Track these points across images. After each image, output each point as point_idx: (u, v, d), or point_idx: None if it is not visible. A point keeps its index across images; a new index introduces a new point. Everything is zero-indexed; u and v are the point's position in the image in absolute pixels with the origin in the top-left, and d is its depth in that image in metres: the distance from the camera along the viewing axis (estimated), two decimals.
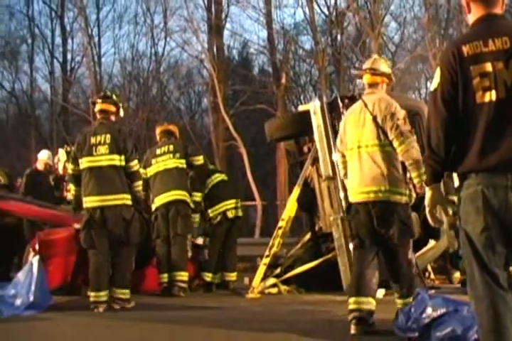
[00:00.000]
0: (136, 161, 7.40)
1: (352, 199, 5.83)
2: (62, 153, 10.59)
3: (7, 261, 9.49)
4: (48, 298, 7.12)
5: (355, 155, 5.75)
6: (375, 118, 5.68)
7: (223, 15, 24.67)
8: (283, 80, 22.54)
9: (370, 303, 5.50)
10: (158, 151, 8.93)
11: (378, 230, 5.59)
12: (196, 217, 9.18)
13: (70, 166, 7.69)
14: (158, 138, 9.24)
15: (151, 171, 8.84)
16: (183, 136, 10.02)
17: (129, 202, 7.31)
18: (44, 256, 7.34)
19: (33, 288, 6.94)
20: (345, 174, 5.96)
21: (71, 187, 7.79)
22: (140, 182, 7.49)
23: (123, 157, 7.27)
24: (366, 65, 6.10)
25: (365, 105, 5.78)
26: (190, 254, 9.00)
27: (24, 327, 6.16)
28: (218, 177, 9.62)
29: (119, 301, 7.21)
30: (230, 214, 9.36)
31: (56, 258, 7.71)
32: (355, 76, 6.98)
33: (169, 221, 8.60)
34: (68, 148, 10.46)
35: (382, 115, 5.63)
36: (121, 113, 7.80)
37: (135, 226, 7.45)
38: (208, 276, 9.15)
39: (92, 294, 7.19)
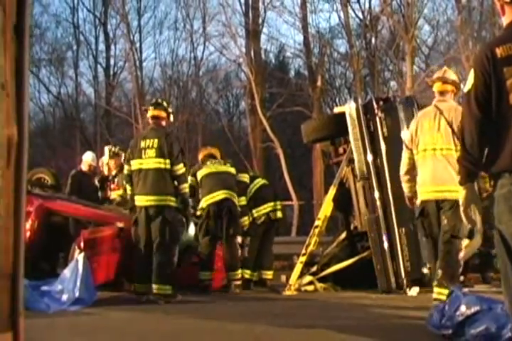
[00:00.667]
0: (181, 165, 7.63)
1: (423, 197, 6.23)
2: (106, 151, 10.87)
3: (54, 258, 9.72)
4: (93, 294, 7.26)
5: (429, 157, 6.21)
6: (451, 125, 6.11)
7: (260, 20, 24.87)
8: (318, 83, 22.65)
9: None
10: (208, 162, 9.33)
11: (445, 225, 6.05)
12: (246, 220, 9.36)
13: (125, 167, 8.11)
14: (201, 161, 9.58)
15: (201, 173, 9.16)
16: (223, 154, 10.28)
17: (172, 204, 7.61)
18: (89, 253, 7.60)
19: (78, 284, 7.08)
20: (407, 171, 6.37)
21: (127, 187, 8.15)
22: (185, 185, 7.72)
23: (168, 161, 7.59)
24: (437, 75, 6.60)
25: (441, 112, 6.22)
26: (240, 253, 9.34)
27: (70, 321, 6.28)
28: (260, 181, 9.83)
29: (161, 297, 7.48)
30: (273, 216, 9.59)
31: (100, 256, 7.92)
32: (426, 84, 7.27)
33: (221, 221, 8.86)
34: (112, 148, 10.82)
35: (458, 123, 5.99)
36: (171, 118, 8.19)
37: (177, 226, 7.75)
38: (247, 273, 9.34)
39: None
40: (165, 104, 8.16)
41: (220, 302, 7.78)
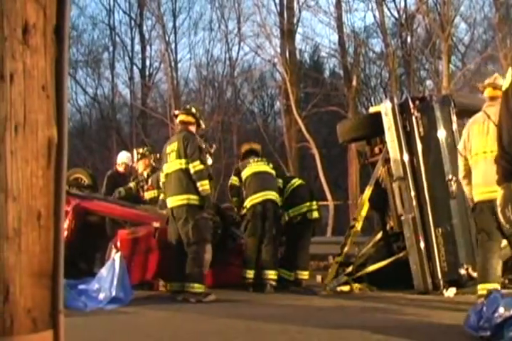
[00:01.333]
0: (197, 162, 7.73)
1: (477, 198, 6.28)
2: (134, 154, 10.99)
3: (91, 258, 9.84)
4: (129, 293, 7.34)
5: (481, 160, 6.28)
6: None
7: (295, 20, 24.86)
8: (354, 82, 22.55)
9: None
10: (251, 160, 9.42)
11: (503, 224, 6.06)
12: (282, 220, 9.43)
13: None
14: (242, 156, 9.66)
15: (246, 173, 9.22)
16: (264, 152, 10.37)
17: (195, 202, 7.71)
18: (125, 253, 7.69)
19: (115, 283, 7.17)
20: (465, 176, 6.52)
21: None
22: (203, 182, 7.74)
23: (185, 160, 7.77)
24: (488, 81, 6.68)
25: (488, 116, 6.32)
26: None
27: (107, 320, 6.33)
28: (296, 182, 9.85)
29: (193, 295, 7.55)
30: (310, 216, 9.60)
31: (136, 255, 8.02)
32: (477, 90, 7.28)
33: (265, 221, 8.95)
34: (140, 149, 10.93)
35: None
36: (203, 125, 8.34)
37: (203, 224, 7.81)
38: (284, 273, 9.36)
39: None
40: (194, 110, 8.29)
41: (255, 301, 7.80)
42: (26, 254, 2.15)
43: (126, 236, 8.02)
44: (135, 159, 10.84)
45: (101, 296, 7.16)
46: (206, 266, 7.78)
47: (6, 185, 2.11)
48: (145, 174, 10.61)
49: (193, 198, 7.69)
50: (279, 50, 24.26)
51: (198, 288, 7.58)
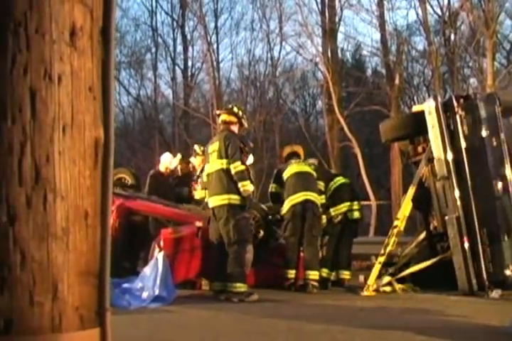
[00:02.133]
0: (237, 163, 7.76)
1: None
2: (193, 155, 11.08)
3: (134, 257, 9.93)
4: (173, 292, 7.39)
5: None
6: None
7: (337, 19, 24.82)
8: (396, 81, 22.40)
9: None
10: (293, 161, 9.46)
11: None
12: (324, 218, 9.45)
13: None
14: (284, 159, 9.68)
15: (287, 173, 9.23)
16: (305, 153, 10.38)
17: (236, 202, 7.74)
18: (168, 252, 7.75)
19: (158, 282, 7.24)
20: None
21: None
22: (244, 183, 7.77)
23: (226, 160, 7.81)
24: None
25: None
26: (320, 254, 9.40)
27: (150, 318, 6.39)
28: (340, 180, 9.84)
29: (235, 295, 7.58)
30: (351, 216, 9.58)
31: (179, 254, 8.08)
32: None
33: (305, 222, 8.96)
34: (202, 147, 11.01)
35: None
36: (245, 124, 8.36)
37: (244, 224, 7.84)
38: (325, 272, 9.35)
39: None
40: (235, 109, 8.31)
41: (297, 301, 7.80)
42: (74, 253, 2.18)
43: (169, 236, 8.09)
44: (193, 155, 10.97)
45: (144, 295, 7.22)
46: (248, 265, 7.81)
47: (54, 185, 2.14)
48: (197, 173, 10.70)
49: (234, 198, 7.72)
50: (320, 49, 24.25)
51: (240, 287, 7.61)
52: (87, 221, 2.22)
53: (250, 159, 9.33)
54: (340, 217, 9.50)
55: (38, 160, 2.13)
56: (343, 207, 9.50)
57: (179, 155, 11.26)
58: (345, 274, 9.54)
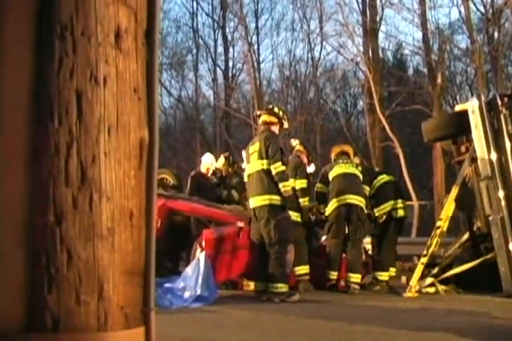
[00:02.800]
0: (278, 163, 7.74)
1: None
2: (221, 159, 11.14)
3: (176, 257, 9.99)
4: (214, 292, 7.40)
5: None
6: None
7: (378, 18, 24.65)
8: (438, 80, 22.15)
9: None
10: (340, 161, 9.42)
11: None
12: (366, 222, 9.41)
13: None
14: (333, 158, 9.66)
15: (333, 173, 9.23)
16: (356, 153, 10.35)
17: (276, 202, 7.73)
18: (210, 252, 7.78)
19: (200, 281, 7.26)
20: None
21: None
22: (285, 183, 7.77)
23: (266, 161, 7.80)
24: None
25: None
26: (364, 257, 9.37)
27: (192, 318, 6.38)
28: (384, 178, 9.78)
29: (277, 295, 7.58)
30: (395, 214, 9.52)
31: (221, 255, 8.09)
32: None
33: (349, 224, 8.96)
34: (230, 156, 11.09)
35: None
36: (285, 125, 8.35)
37: (285, 224, 7.83)
38: (381, 275, 9.33)
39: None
40: (276, 109, 8.31)
41: (338, 302, 7.77)
42: (119, 253, 2.21)
43: (211, 236, 8.11)
44: (220, 162, 11.01)
45: (186, 295, 7.24)
46: (289, 265, 7.82)
47: (100, 185, 2.17)
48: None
49: (275, 198, 7.72)
50: (361, 48, 24.14)
51: (281, 287, 7.61)
52: (132, 221, 2.25)
53: (312, 168, 9.41)
54: (384, 217, 9.44)
55: (84, 161, 2.17)
56: (388, 206, 9.44)
57: (222, 158, 11.27)
58: (383, 275, 9.45)
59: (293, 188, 8.62)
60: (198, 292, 7.20)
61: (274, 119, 8.19)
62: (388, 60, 30.34)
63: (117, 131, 2.21)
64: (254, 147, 7.99)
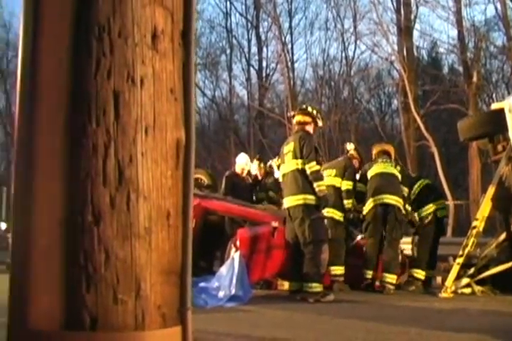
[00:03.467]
0: (312, 163, 7.70)
1: None
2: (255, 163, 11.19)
3: (211, 256, 10.03)
4: (249, 291, 7.39)
5: None
6: None
7: (412, 17, 24.47)
8: (474, 78, 21.90)
9: None
10: (379, 160, 9.39)
11: None
12: (415, 216, 9.42)
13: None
14: (374, 157, 9.63)
15: (371, 172, 9.21)
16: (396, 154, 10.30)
17: (311, 202, 7.71)
18: (244, 251, 7.80)
19: (234, 281, 7.25)
20: None
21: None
22: (319, 183, 7.71)
23: (301, 161, 7.77)
24: None
25: None
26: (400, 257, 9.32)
27: (227, 317, 6.37)
28: (423, 182, 9.75)
29: (311, 295, 7.58)
30: (439, 214, 9.47)
31: (255, 254, 8.10)
32: None
33: (386, 224, 8.92)
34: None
35: None
36: (320, 123, 8.33)
37: (320, 224, 7.80)
38: (418, 273, 9.27)
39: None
40: (310, 109, 8.29)
41: (374, 302, 7.72)
42: (156, 252, 2.23)
43: (245, 235, 8.12)
44: (255, 166, 11.07)
45: (220, 294, 7.23)
46: (324, 265, 7.80)
47: (137, 185, 2.19)
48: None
49: (310, 198, 7.71)
50: (396, 47, 23.95)
51: (315, 287, 7.60)
52: (169, 221, 2.26)
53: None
54: (430, 217, 9.38)
55: (121, 161, 2.18)
56: (431, 207, 9.38)
57: (256, 162, 11.28)
58: (419, 273, 9.39)
59: (337, 188, 8.64)
60: (233, 291, 7.20)
61: (308, 119, 8.18)
62: (423, 58, 30.10)
63: (154, 132, 2.22)
64: (289, 147, 7.98)
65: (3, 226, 13.74)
